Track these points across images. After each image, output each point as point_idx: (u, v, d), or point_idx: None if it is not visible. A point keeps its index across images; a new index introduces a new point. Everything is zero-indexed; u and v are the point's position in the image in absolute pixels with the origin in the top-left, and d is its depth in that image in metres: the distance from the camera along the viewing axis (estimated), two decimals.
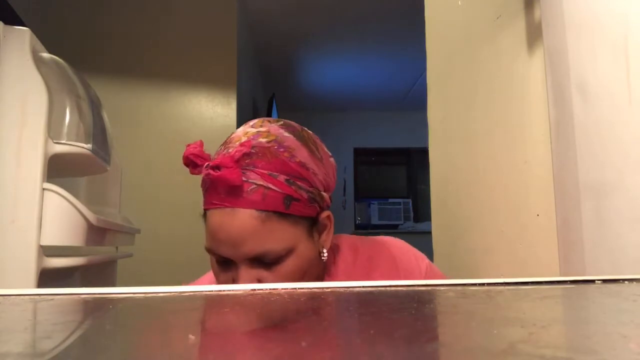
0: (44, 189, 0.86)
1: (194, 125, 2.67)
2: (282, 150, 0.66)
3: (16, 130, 0.86)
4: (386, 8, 3.24)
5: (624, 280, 0.41)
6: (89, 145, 0.96)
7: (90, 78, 1.15)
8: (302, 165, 0.67)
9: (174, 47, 2.71)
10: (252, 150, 0.65)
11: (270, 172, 0.64)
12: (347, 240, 0.83)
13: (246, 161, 0.64)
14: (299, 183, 0.66)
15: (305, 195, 0.67)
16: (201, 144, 0.68)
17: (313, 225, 0.70)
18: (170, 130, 2.64)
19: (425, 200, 4.58)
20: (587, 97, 0.69)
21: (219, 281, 0.70)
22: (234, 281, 0.67)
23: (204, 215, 0.69)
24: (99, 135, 1.02)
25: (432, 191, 1.42)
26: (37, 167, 0.86)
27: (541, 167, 0.88)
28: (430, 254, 1.36)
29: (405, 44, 3.71)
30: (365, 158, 5.75)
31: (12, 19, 2.01)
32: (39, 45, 0.97)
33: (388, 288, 0.40)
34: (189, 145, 0.67)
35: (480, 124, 1.14)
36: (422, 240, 1.56)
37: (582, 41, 0.71)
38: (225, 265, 0.68)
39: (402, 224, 5.41)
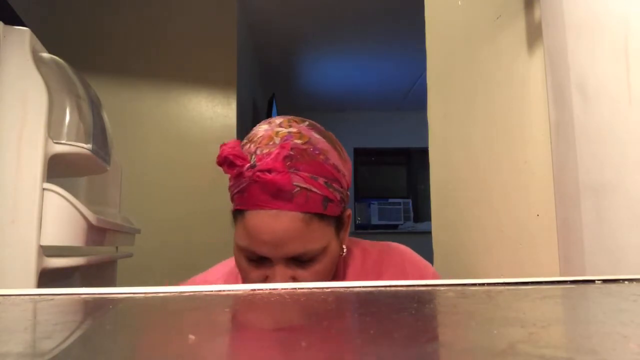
0: (44, 189, 0.86)
1: (194, 125, 2.67)
2: (317, 152, 0.68)
3: (16, 130, 0.86)
4: (386, 8, 3.24)
5: (624, 280, 0.41)
6: (89, 145, 0.96)
7: (90, 78, 1.15)
8: (335, 167, 0.69)
9: (174, 47, 2.70)
10: (292, 153, 0.66)
11: (311, 174, 0.66)
12: (358, 244, 0.85)
13: (288, 163, 0.65)
14: (334, 185, 0.68)
15: (338, 196, 0.69)
16: (238, 144, 0.68)
17: (338, 223, 0.73)
18: (170, 130, 2.64)
19: (425, 200, 4.57)
20: (587, 97, 0.69)
21: (249, 279, 0.70)
22: (266, 279, 0.68)
23: (237, 214, 0.69)
24: (99, 135, 1.02)
25: (432, 191, 1.42)
26: (37, 167, 0.86)
27: (541, 167, 0.88)
28: (430, 254, 1.36)
29: (405, 44, 3.71)
30: (365, 158, 5.75)
31: (12, 19, 2.01)
32: (39, 45, 0.97)
33: (388, 288, 0.40)
34: (224, 144, 0.67)
35: (480, 124, 1.14)
36: (422, 240, 1.56)
37: (582, 41, 0.71)
38: (259, 264, 0.69)
39: (402, 224, 5.41)
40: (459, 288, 0.41)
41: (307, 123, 0.73)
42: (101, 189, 1.37)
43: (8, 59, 0.88)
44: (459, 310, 0.33)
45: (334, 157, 0.70)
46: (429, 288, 0.43)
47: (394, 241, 0.88)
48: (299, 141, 0.67)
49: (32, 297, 0.38)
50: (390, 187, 5.79)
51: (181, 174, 2.55)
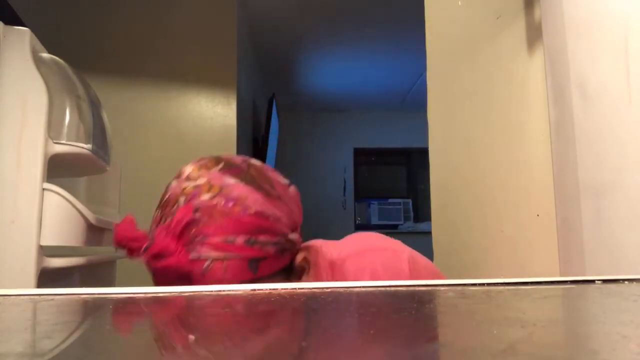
0: (44, 189, 0.86)
1: (194, 125, 2.67)
2: (231, 204, 0.55)
3: (16, 130, 0.86)
4: (386, 8, 3.24)
5: (624, 280, 0.41)
6: (89, 145, 0.96)
7: (90, 78, 1.15)
8: (260, 215, 0.56)
9: (174, 47, 2.70)
10: (196, 216, 0.54)
11: (225, 237, 0.54)
12: (326, 259, 0.67)
13: (192, 231, 0.53)
14: (261, 238, 0.56)
15: (271, 249, 0.57)
16: (132, 221, 0.57)
17: (290, 273, 0.61)
18: (170, 130, 2.64)
19: (425, 200, 4.57)
20: (587, 97, 0.69)
21: None
22: None
23: None
24: (99, 135, 1.02)
25: (432, 191, 1.42)
26: (37, 167, 0.86)
27: (541, 167, 0.88)
28: (430, 254, 1.36)
29: (405, 44, 3.71)
30: (365, 158, 5.75)
31: (12, 19, 2.01)
32: (39, 45, 0.97)
33: (388, 288, 0.40)
34: (118, 225, 0.57)
35: (480, 124, 1.14)
36: (422, 240, 1.56)
37: (582, 41, 0.71)
38: None
39: (402, 224, 5.41)
40: (459, 288, 0.41)
41: (220, 165, 0.59)
42: (101, 189, 1.37)
43: (8, 59, 0.88)
44: (459, 310, 0.33)
45: (256, 203, 0.56)
46: (429, 288, 0.43)
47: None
48: (206, 196, 0.55)
49: (32, 297, 0.38)
50: (390, 187, 5.79)
51: None
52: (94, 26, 2.67)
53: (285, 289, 0.39)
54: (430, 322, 0.30)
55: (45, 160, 0.88)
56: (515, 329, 0.26)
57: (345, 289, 0.39)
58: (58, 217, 0.87)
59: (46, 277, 0.87)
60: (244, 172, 0.59)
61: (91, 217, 0.92)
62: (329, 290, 0.39)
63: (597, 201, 0.67)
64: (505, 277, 0.43)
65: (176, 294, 0.39)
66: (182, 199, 0.56)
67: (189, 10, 2.73)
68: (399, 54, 4.03)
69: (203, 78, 2.72)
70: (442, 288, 0.43)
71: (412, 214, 5.53)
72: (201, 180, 0.57)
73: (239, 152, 2.70)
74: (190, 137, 2.63)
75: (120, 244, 0.56)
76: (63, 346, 0.25)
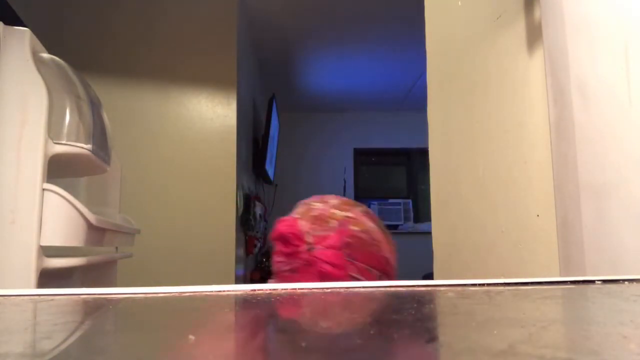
0: (44, 189, 0.86)
1: (194, 125, 2.67)
2: (372, 242, 0.68)
3: (16, 130, 0.86)
4: (386, 8, 3.24)
5: (624, 280, 0.41)
6: (89, 146, 0.96)
7: (90, 78, 1.15)
8: (387, 261, 0.70)
9: (174, 47, 2.71)
10: (350, 240, 0.67)
11: (367, 266, 0.67)
12: None
13: (347, 252, 0.66)
14: (384, 278, 0.68)
15: None
16: (296, 222, 0.68)
17: None
18: (170, 131, 2.64)
19: (425, 200, 4.57)
20: (587, 97, 0.69)
21: None
22: None
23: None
24: (99, 135, 1.02)
25: (432, 191, 1.42)
26: (37, 167, 0.86)
27: (541, 167, 0.88)
28: (430, 254, 1.36)
29: (405, 44, 3.71)
30: (365, 158, 5.74)
31: (12, 19, 2.01)
32: (39, 45, 0.97)
33: (388, 288, 0.40)
34: (282, 220, 0.68)
35: (480, 124, 1.14)
36: (422, 240, 1.56)
37: (582, 41, 0.71)
38: None
39: (402, 225, 5.41)
40: (459, 288, 0.41)
41: (361, 209, 0.73)
42: (101, 189, 1.37)
43: (8, 59, 0.88)
44: (459, 310, 0.33)
45: (386, 249, 0.70)
46: (429, 288, 0.43)
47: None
48: (356, 228, 0.68)
49: (32, 297, 0.38)
50: (390, 187, 5.78)
51: (181, 174, 2.55)
52: (94, 26, 2.67)
53: (285, 289, 0.39)
54: (430, 322, 0.30)
55: (45, 160, 0.88)
56: (515, 329, 0.26)
57: (346, 289, 0.39)
58: (58, 217, 0.87)
59: (46, 277, 0.87)
60: (376, 220, 0.73)
61: (91, 217, 0.92)
62: (329, 290, 0.39)
63: (597, 201, 0.67)
64: (505, 277, 0.43)
65: (176, 294, 0.39)
66: (333, 222, 0.68)
67: (189, 10, 2.73)
68: (399, 54, 4.03)
69: (203, 78, 2.72)
70: (442, 288, 0.43)
71: (412, 214, 5.53)
72: (349, 214, 0.70)
73: (239, 152, 2.70)
74: (191, 137, 2.63)
75: (283, 235, 0.66)
76: (63, 346, 0.25)
